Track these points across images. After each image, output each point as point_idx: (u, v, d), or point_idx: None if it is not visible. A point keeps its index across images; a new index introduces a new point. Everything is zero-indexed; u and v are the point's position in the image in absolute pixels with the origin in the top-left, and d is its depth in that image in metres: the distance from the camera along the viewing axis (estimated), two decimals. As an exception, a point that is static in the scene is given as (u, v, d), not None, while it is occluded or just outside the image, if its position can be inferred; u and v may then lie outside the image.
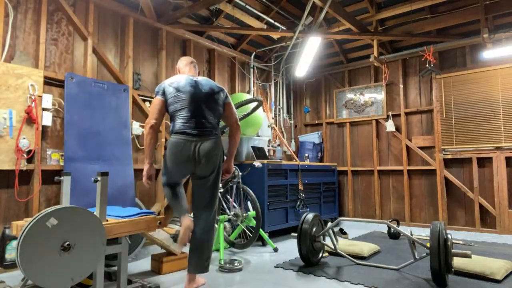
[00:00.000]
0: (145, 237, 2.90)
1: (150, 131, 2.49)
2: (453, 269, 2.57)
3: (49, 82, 3.25)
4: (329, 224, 3.29)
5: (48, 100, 3.16)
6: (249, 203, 3.71)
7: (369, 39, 4.91)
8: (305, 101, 6.42)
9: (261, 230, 3.72)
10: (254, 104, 4.40)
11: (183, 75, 2.64)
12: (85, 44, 3.54)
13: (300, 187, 4.65)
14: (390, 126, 5.30)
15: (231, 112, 2.70)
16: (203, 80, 2.66)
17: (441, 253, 2.45)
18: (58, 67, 3.36)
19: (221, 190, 3.74)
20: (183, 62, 2.78)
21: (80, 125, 3.33)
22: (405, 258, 3.39)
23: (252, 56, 5.49)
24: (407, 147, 5.22)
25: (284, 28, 4.85)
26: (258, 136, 4.88)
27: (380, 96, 5.51)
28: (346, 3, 4.78)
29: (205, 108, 2.55)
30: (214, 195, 2.63)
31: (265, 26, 4.90)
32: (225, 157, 2.75)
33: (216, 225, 3.56)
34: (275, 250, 3.73)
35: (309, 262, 3.11)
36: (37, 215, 1.79)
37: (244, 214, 3.60)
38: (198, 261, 2.46)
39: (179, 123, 2.49)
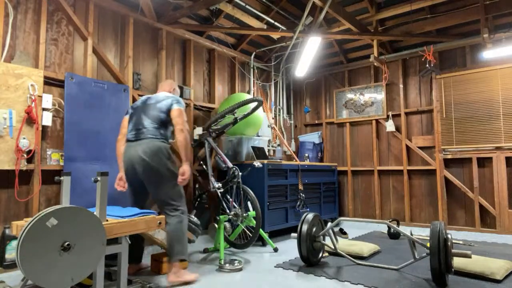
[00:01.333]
0: (145, 237, 2.90)
1: (117, 144, 2.96)
2: (453, 269, 2.57)
3: (49, 82, 3.25)
4: (329, 224, 3.29)
5: (48, 100, 3.16)
6: (249, 203, 3.71)
7: (369, 39, 4.91)
8: (305, 101, 6.42)
9: (261, 230, 3.72)
10: (254, 104, 4.40)
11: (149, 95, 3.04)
12: (85, 44, 3.54)
13: (300, 187, 4.65)
14: (390, 126, 5.30)
15: (173, 118, 2.81)
16: (158, 95, 2.95)
17: (441, 253, 2.45)
18: (58, 67, 3.36)
19: (221, 190, 3.74)
20: (162, 83, 3.20)
21: (80, 125, 3.34)
22: (405, 258, 3.39)
23: (252, 56, 5.49)
24: (407, 147, 5.22)
25: (284, 28, 4.85)
26: (258, 136, 4.88)
27: (380, 96, 5.51)
28: (346, 3, 4.78)
29: (143, 116, 2.85)
30: (163, 191, 2.74)
31: (265, 26, 4.90)
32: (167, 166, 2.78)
33: (216, 225, 3.56)
34: (275, 250, 3.73)
35: (309, 262, 3.11)
36: (37, 215, 1.79)
37: (244, 214, 3.60)
38: (169, 251, 2.69)
39: (127, 134, 2.89)
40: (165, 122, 2.84)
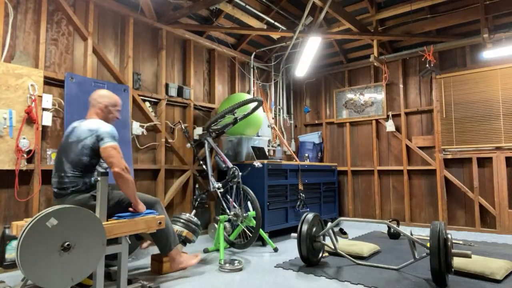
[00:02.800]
0: (145, 237, 2.90)
1: None
2: (453, 269, 2.57)
3: (49, 82, 3.25)
4: (329, 224, 3.29)
5: (48, 100, 3.16)
6: (249, 203, 3.71)
7: (369, 39, 4.91)
8: (305, 101, 6.42)
9: (261, 230, 3.72)
10: (254, 104, 4.40)
11: (77, 122, 2.51)
12: (85, 44, 3.54)
13: (300, 187, 4.65)
14: (390, 126, 5.30)
15: (105, 159, 2.31)
16: (81, 126, 2.41)
17: (441, 253, 2.45)
18: (58, 67, 3.36)
19: (221, 190, 3.74)
20: (91, 100, 2.58)
21: (80, 125, 3.33)
22: (405, 258, 3.39)
23: (252, 56, 5.49)
24: (407, 147, 5.22)
25: (284, 28, 4.85)
26: (258, 136, 4.88)
27: (380, 96, 5.51)
28: (346, 3, 4.78)
29: (65, 160, 2.35)
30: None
31: (265, 26, 4.90)
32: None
33: (216, 225, 3.56)
34: (275, 250, 3.73)
35: (309, 262, 3.11)
36: (37, 215, 1.79)
37: (244, 214, 3.60)
38: (164, 243, 2.73)
39: (52, 179, 2.44)
40: (89, 166, 2.36)
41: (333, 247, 3.31)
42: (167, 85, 4.27)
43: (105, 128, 2.38)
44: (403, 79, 5.32)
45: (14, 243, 2.78)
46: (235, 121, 3.96)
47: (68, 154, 2.35)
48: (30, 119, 3.02)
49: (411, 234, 3.28)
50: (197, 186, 4.10)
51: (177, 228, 3.10)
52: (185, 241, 3.09)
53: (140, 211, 2.48)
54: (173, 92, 4.30)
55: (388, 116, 5.40)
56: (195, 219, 3.22)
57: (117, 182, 2.31)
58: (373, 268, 3.05)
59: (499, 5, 4.04)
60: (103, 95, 2.57)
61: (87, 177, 2.36)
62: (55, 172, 2.39)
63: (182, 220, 3.16)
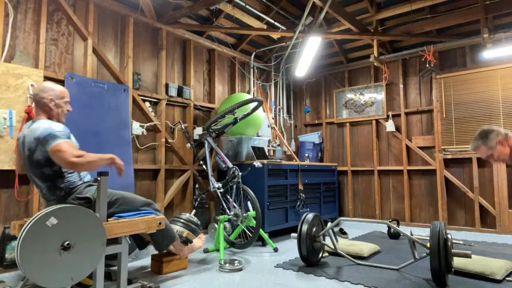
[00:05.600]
0: (145, 237, 2.90)
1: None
2: (453, 269, 2.57)
3: (49, 82, 3.25)
4: (329, 224, 3.29)
5: (48, 100, 3.16)
6: (249, 203, 3.71)
7: (369, 39, 4.91)
8: (305, 101, 6.42)
9: (261, 230, 3.72)
10: (254, 104, 4.40)
11: (26, 126, 2.27)
12: (85, 44, 3.54)
13: (300, 187, 4.65)
14: (390, 126, 5.30)
15: (57, 159, 2.05)
16: (28, 135, 2.17)
17: (441, 253, 2.45)
18: (58, 67, 3.36)
19: (221, 190, 3.74)
20: (35, 96, 2.27)
21: (80, 125, 3.33)
22: (405, 258, 3.39)
23: (252, 56, 5.49)
24: (407, 147, 5.22)
25: (284, 28, 4.85)
26: (258, 136, 4.88)
27: (380, 96, 5.51)
28: (346, 3, 4.77)
29: (32, 175, 2.23)
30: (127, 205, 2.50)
31: (265, 26, 4.90)
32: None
33: (216, 225, 3.56)
34: (275, 250, 3.73)
35: (309, 262, 3.10)
36: (37, 214, 1.79)
37: (244, 214, 3.60)
38: (166, 239, 2.70)
39: None
40: (55, 175, 2.20)
41: (333, 247, 3.31)
42: (167, 85, 4.27)
43: (44, 129, 2.10)
44: (403, 79, 5.32)
45: (14, 243, 2.78)
46: (235, 121, 3.96)
47: (31, 169, 2.20)
48: (30, 119, 3.02)
49: (411, 234, 3.28)
50: (197, 186, 4.10)
51: (177, 228, 3.10)
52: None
53: (117, 161, 2.25)
54: (173, 92, 4.30)
55: (388, 116, 5.40)
56: (195, 219, 3.22)
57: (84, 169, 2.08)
58: (373, 268, 3.05)
59: (499, 5, 4.03)
60: (46, 89, 2.26)
61: (60, 183, 2.23)
62: (36, 187, 2.31)
63: (182, 220, 3.16)
